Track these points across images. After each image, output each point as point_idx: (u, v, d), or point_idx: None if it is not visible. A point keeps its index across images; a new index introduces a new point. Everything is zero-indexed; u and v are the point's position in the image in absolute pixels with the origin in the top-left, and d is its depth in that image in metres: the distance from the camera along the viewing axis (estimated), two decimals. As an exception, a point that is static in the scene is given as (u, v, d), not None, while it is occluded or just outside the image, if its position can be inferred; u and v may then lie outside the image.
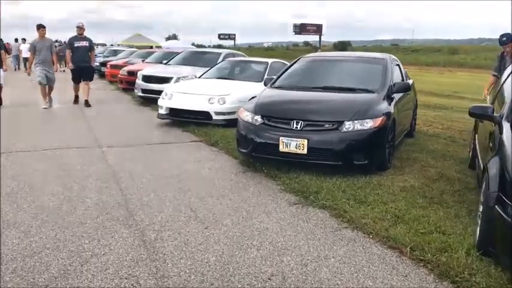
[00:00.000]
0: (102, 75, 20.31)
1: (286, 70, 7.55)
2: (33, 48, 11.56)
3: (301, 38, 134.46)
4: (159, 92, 11.63)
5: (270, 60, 10.93)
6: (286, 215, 4.54)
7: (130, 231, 4.04)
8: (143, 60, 17.08)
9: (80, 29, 11.86)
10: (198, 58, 14.03)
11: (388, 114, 5.92)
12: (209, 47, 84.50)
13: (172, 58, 14.28)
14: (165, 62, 14.16)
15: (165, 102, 9.46)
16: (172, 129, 9.08)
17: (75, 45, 11.72)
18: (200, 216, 4.46)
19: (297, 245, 3.85)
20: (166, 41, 59.94)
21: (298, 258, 3.61)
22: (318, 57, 8.34)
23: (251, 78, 10.19)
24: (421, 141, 8.23)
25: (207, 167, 6.32)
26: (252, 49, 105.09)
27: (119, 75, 15.59)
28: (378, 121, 5.68)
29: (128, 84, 15.09)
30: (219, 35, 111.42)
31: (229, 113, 9.05)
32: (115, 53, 24.63)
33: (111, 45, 39.28)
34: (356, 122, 5.60)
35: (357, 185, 5.37)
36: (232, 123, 8.77)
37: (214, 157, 6.92)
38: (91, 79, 12.26)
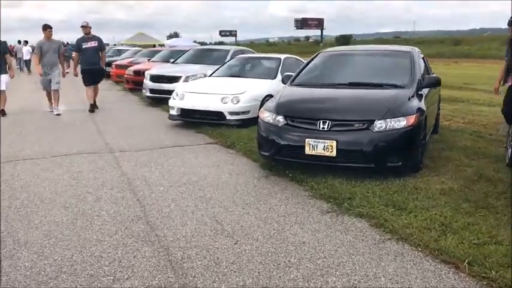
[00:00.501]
0: (107, 76, 19.90)
1: (305, 66, 7.14)
2: (40, 50, 10.72)
3: (302, 33, 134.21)
4: (168, 92, 11.34)
5: (282, 56, 10.51)
6: (321, 226, 4.16)
7: (154, 250, 3.67)
8: (149, 60, 16.70)
9: (86, 28, 10.99)
10: (206, 56, 13.64)
11: (421, 111, 5.52)
12: (210, 44, 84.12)
13: (180, 56, 13.88)
14: (172, 60, 13.76)
15: (176, 103, 9.08)
16: (184, 131, 8.70)
17: (83, 46, 10.84)
18: (227, 229, 4.08)
19: (339, 262, 3.47)
20: (167, 39, 59.69)
21: (345, 278, 3.23)
22: (339, 52, 7.93)
23: (263, 75, 9.80)
24: (447, 138, 7.82)
25: (226, 171, 5.95)
26: (253, 45, 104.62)
27: (125, 75, 15.22)
28: (412, 119, 5.28)
29: (134, 84, 14.72)
30: (220, 32, 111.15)
31: (243, 113, 8.67)
32: (119, 52, 24.26)
33: (114, 44, 38.87)
34: (388, 120, 5.20)
35: (392, 189, 4.98)
36: (246, 123, 8.41)
37: (232, 160, 6.54)
38: (100, 81, 11.48)
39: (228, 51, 13.43)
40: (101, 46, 11.13)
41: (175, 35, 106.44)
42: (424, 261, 3.46)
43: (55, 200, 4.83)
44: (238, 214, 4.45)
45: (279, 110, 5.78)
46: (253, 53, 14.54)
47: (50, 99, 11.09)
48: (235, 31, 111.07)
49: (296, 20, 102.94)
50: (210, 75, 10.40)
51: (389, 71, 6.48)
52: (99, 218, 4.34)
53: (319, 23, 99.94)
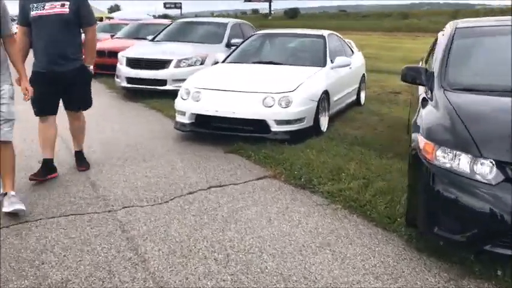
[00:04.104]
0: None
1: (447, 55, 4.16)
2: None
3: (249, 6, 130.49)
4: (155, 82, 8.20)
5: (325, 33, 7.51)
6: None
7: None
8: (112, 36, 13.17)
9: None
10: (196, 32, 10.46)
11: None
12: (154, 17, 78.53)
13: (160, 33, 10.53)
14: (150, 38, 10.40)
15: (188, 106, 5.98)
16: (207, 150, 5.64)
17: (35, 14, 4.44)
18: None
19: None
20: (109, 12, 54.46)
21: None
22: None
23: (309, 62, 6.82)
24: None
25: (362, 268, 3.01)
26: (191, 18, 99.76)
27: (85, 57, 11.66)
28: None
29: (98, 68, 11.24)
30: (165, 4, 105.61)
31: (296, 121, 5.71)
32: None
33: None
34: None
35: None
36: (299, 136, 5.52)
37: (339, 225, 3.66)
38: (87, 105, 5.00)
39: (225, 25, 10.29)
40: (80, 14, 4.55)
41: (117, 8, 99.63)
42: None
43: None
44: None
45: (481, 147, 2.86)
46: (252, 27, 11.45)
47: None
48: (180, 3, 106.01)
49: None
50: (225, 61, 7.26)
51: None
52: None
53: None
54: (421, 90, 4.30)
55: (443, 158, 2.96)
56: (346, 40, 8.52)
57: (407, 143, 5.77)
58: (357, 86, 8.07)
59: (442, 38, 4.66)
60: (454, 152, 2.92)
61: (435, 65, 4.01)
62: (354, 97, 8.02)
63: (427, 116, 3.44)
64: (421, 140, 3.17)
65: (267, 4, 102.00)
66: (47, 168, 4.58)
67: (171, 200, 4.15)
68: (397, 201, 3.91)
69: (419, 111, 3.73)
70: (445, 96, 3.47)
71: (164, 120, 7.27)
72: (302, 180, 4.50)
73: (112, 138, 6.20)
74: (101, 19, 30.75)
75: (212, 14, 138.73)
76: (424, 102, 3.79)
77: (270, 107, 5.64)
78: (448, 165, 2.92)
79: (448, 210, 2.91)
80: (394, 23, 66.16)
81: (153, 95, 8.68)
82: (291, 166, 4.88)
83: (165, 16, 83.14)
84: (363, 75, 8.59)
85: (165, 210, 3.91)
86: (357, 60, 8.11)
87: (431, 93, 3.76)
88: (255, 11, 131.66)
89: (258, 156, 5.29)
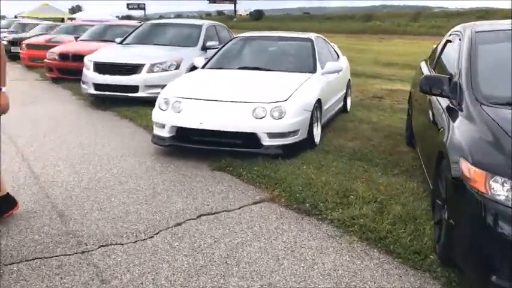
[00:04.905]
0: (13, 58, 15.08)
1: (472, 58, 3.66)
2: None
3: (214, 7, 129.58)
4: (123, 89, 7.52)
5: (312, 36, 6.96)
6: None
7: None
8: (76, 38, 12.29)
9: None
10: (167, 34, 9.74)
11: None
12: (118, 18, 76.48)
13: (129, 35, 9.77)
14: (118, 40, 9.62)
15: (168, 118, 5.32)
16: (189, 167, 5.04)
17: None
18: None
19: None
20: (70, 13, 52.63)
21: None
22: None
23: (299, 67, 6.25)
24: None
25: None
26: (162, 19, 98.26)
27: (47, 60, 10.86)
28: None
29: (60, 72, 10.53)
30: (128, 5, 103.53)
31: (290, 133, 5.12)
32: (23, 27, 19.11)
33: (15, 17, 32.39)
34: None
35: None
36: (292, 150, 4.97)
37: (360, 264, 3.12)
38: None
39: (199, 26, 9.63)
40: None
41: (78, 9, 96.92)
42: None
43: None
44: None
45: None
46: (228, 29, 10.84)
47: None
48: (144, 4, 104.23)
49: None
50: (204, 66, 6.62)
51: None
52: None
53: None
54: (437, 99, 3.80)
55: (500, 190, 2.43)
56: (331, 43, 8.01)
57: (410, 156, 5.34)
58: (344, 92, 7.57)
59: (457, 43, 4.16)
60: (512, 182, 2.40)
61: (461, 75, 3.49)
62: (341, 104, 7.52)
63: (466, 134, 2.91)
64: (466, 167, 2.63)
65: (232, 5, 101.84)
66: (2, 206, 3.64)
67: (156, 234, 3.50)
68: (421, 232, 3.38)
69: (449, 127, 3.20)
70: (486, 113, 2.95)
71: (138, 132, 6.59)
72: (306, 204, 3.92)
73: (81, 155, 5.47)
74: (63, 20, 29.54)
75: (188, 16, 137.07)
76: (452, 114, 3.27)
77: (261, 118, 5.04)
78: (507, 200, 2.40)
79: None
80: (358, 25, 66.82)
81: (123, 102, 7.96)
82: (290, 187, 4.30)
83: (128, 17, 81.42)
84: (349, 81, 8.10)
85: (150, 250, 3.25)
86: (343, 65, 7.60)
87: (461, 105, 3.25)
88: (220, 13, 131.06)
89: (250, 174, 4.69)
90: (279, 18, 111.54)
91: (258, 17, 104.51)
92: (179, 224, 3.68)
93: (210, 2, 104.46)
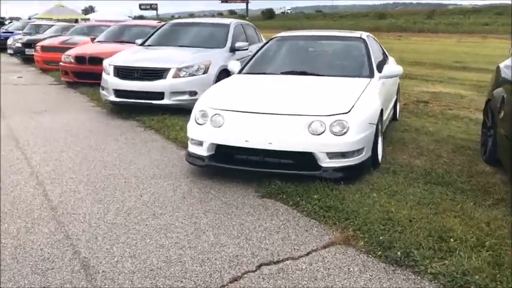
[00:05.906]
0: (27, 60, 14.39)
1: None
2: None
3: (226, 7, 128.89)
4: (148, 96, 6.74)
5: (364, 34, 6.10)
6: None
7: None
8: (93, 39, 11.54)
9: None
10: (193, 34, 8.94)
11: None
12: (130, 18, 75.76)
13: (152, 35, 8.98)
14: (139, 42, 8.82)
15: (206, 133, 4.49)
16: (233, 193, 4.24)
17: None
18: None
19: None
20: (83, 13, 52.14)
21: None
22: None
23: (353, 72, 5.39)
24: None
25: None
26: (175, 19, 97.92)
27: (62, 63, 10.13)
28: None
29: (76, 76, 9.78)
30: (140, 5, 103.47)
31: (354, 153, 4.26)
32: (37, 28, 18.43)
33: (29, 18, 31.80)
34: None
35: None
36: (354, 172, 4.12)
37: None
38: None
39: (227, 26, 8.79)
40: None
41: (91, 9, 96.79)
42: None
43: None
44: None
45: None
46: (255, 28, 10.02)
47: None
48: (156, 4, 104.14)
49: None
50: (242, 71, 5.78)
51: None
52: None
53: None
54: None
55: None
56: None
57: (497, 178, 4.42)
58: (395, 97, 6.72)
59: None
60: None
61: None
62: (393, 111, 6.66)
63: None
64: None
65: (244, 4, 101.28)
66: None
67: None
68: None
69: None
70: None
71: (167, 146, 5.78)
72: (398, 253, 3.06)
73: (105, 176, 4.67)
74: (76, 21, 28.95)
75: (191, 15, 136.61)
76: None
77: (319, 134, 4.19)
78: None
79: None
80: (373, 23, 65.73)
81: (145, 109, 7.17)
82: (365, 224, 3.45)
83: (140, 17, 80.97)
84: (398, 85, 7.23)
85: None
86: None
87: None
88: (232, 12, 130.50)
89: (310, 205, 3.85)
90: (292, 17, 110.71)
91: (270, 15, 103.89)
92: (236, 280, 2.86)
93: (222, 2, 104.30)
